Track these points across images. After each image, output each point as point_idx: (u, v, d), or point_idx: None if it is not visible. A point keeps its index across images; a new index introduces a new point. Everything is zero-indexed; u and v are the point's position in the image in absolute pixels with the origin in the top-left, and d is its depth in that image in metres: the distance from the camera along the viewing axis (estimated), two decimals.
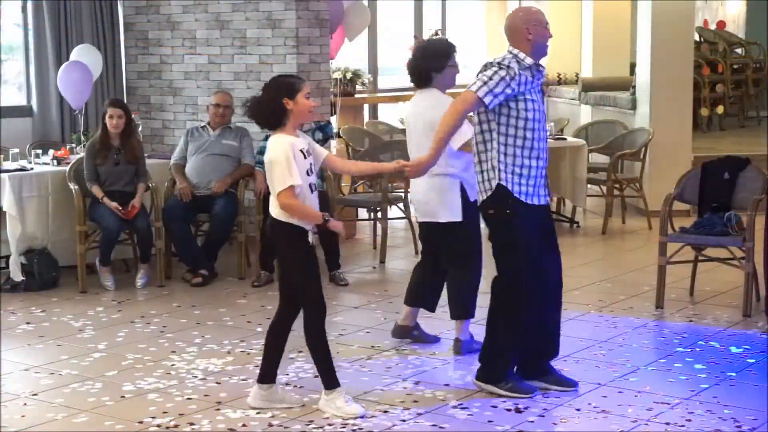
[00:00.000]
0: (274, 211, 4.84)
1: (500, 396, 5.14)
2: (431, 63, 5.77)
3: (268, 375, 5.02)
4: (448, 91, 5.86)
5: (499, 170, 5.03)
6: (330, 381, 4.94)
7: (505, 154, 5.03)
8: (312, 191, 4.84)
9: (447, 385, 5.36)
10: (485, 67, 5.06)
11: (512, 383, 5.19)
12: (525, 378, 5.28)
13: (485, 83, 4.95)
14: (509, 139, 5.03)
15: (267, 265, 7.72)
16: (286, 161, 4.70)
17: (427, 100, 5.79)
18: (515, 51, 5.07)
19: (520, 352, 5.29)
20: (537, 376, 5.28)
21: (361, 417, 4.85)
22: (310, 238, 4.87)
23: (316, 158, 4.92)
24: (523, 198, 5.04)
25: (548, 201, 5.30)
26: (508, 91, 4.95)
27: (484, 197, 5.12)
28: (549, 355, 5.34)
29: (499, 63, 5.01)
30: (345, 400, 4.92)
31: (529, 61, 5.05)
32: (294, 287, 4.94)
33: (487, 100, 4.94)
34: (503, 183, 5.03)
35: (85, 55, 8.82)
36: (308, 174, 4.81)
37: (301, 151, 4.77)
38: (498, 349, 5.23)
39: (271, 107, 4.78)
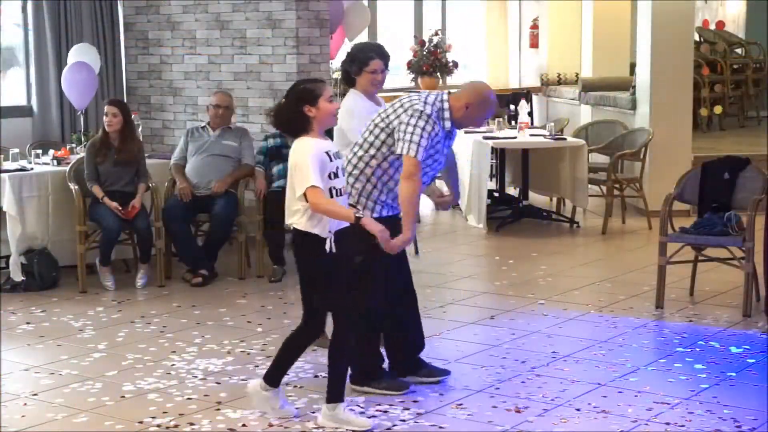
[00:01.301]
0: (292, 219, 4.68)
1: (377, 395, 5.18)
2: (350, 66, 5.75)
3: (274, 378, 4.92)
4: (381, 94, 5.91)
5: (360, 195, 5.13)
6: (338, 395, 4.79)
7: (373, 185, 5.13)
8: (334, 195, 4.65)
9: (447, 385, 5.36)
10: (408, 114, 5.04)
11: (386, 382, 5.26)
12: (400, 376, 5.37)
13: (418, 144, 4.99)
14: (384, 175, 5.12)
15: (278, 260, 7.79)
16: (310, 163, 4.55)
17: (343, 104, 5.80)
18: (447, 105, 5.13)
19: (391, 353, 5.43)
20: (411, 373, 5.38)
21: (371, 430, 4.75)
22: (328, 246, 4.65)
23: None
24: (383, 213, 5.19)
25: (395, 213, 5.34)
26: (430, 142, 5.04)
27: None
28: (416, 349, 5.46)
29: (424, 114, 5.04)
30: (353, 413, 4.82)
31: (448, 125, 5.12)
32: (321, 300, 4.76)
33: (420, 157, 5.00)
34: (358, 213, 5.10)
35: (85, 55, 8.81)
36: (331, 177, 4.64)
37: (326, 153, 4.64)
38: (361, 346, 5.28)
39: (293, 115, 4.66)
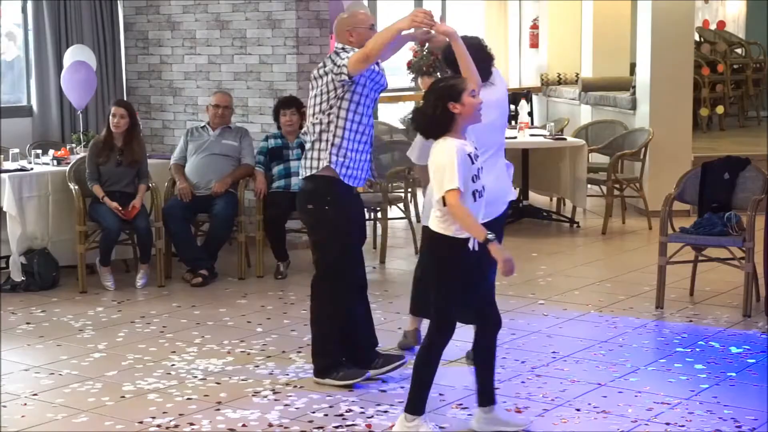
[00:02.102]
0: (433, 222, 4.49)
1: (336, 387, 5.25)
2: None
3: (417, 406, 4.63)
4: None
5: (330, 153, 5.18)
6: (417, 406, 4.61)
7: (342, 138, 5.19)
8: (477, 198, 4.48)
9: (447, 385, 5.36)
10: (339, 54, 5.22)
11: (343, 371, 5.30)
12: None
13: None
14: (348, 123, 5.19)
15: (281, 256, 7.83)
16: (455, 164, 4.35)
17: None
18: (347, 49, 5.26)
19: (349, 347, 5.44)
20: (369, 366, 5.40)
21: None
22: (471, 244, 4.44)
23: None
24: (346, 180, 5.22)
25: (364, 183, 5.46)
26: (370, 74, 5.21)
27: (307, 176, 5.25)
28: (375, 342, 5.55)
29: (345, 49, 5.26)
30: (429, 428, 4.65)
31: None
32: (438, 306, 4.57)
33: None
34: (332, 165, 5.18)
35: (81, 56, 8.80)
36: (473, 180, 4.45)
37: (469, 155, 4.43)
38: (326, 342, 5.35)
39: (437, 115, 4.45)
